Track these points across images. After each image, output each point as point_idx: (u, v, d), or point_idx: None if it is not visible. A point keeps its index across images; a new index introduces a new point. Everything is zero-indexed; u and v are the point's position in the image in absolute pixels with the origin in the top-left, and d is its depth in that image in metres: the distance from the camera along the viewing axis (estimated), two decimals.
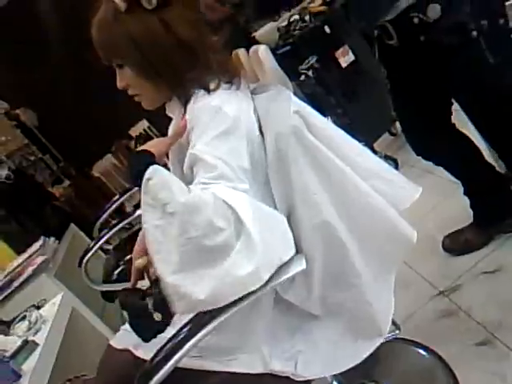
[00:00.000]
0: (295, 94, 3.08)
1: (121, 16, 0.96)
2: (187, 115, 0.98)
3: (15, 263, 2.11)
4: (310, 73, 2.56)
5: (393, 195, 1.00)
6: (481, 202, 1.76)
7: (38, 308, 1.52)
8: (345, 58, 2.55)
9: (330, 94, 2.62)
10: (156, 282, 1.36)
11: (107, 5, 0.97)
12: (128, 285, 1.41)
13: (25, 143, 4.38)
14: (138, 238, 1.41)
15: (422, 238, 2.02)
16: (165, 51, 0.95)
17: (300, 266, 0.89)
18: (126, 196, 3.17)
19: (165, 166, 0.95)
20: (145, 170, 0.83)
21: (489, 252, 1.78)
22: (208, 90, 0.98)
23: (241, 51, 3.31)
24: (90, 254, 2.35)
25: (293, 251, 0.83)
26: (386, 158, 2.71)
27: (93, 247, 2.38)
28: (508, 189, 1.61)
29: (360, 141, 2.81)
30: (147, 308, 1.42)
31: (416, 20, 1.20)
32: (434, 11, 1.17)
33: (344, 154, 0.98)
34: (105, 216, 3.11)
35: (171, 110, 1.07)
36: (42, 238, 2.35)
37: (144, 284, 1.42)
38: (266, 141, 0.97)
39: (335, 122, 2.66)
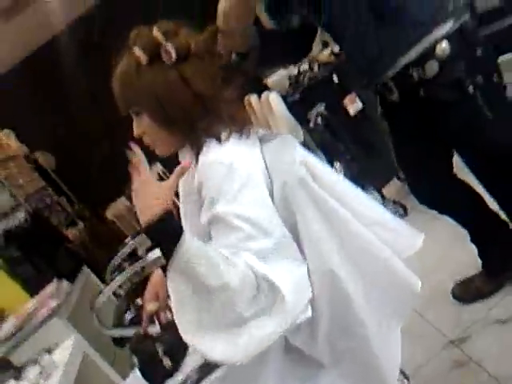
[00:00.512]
0: (305, 140, 3.15)
1: (142, 69, 1.02)
2: (198, 166, 1.03)
3: (28, 306, 2.14)
4: (318, 120, 2.63)
5: (396, 243, 1.03)
6: (488, 249, 1.76)
7: (50, 352, 1.53)
8: (353, 105, 2.63)
9: (339, 141, 2.69)
10: (166, 327, 1.38)
11: (129, 58, 1.04)
12: (139, 329, 1.44)
13: (42, 186, 4.49)
14: (149, 283, 1.44)
15: (433, 285, 2.03)
16: (181, 102, 1.01)
17: (306, 313, 0.92)
18: (137, 239, 3.23)
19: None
20: (171, 237, 0.85)
21: (499, 300, 1.77)
22: (219, 140, 1.03)
23: (253, 97, 3.42)
24: (101, 298, 2.38)
25: (310, 312, 0.90)
26: (395, 203, 2.73)
27: (105, 291, 2.42)
28: None
29: (368, 186, 2.84)
30: (157, 354, 1.44)
31: (415, 76, 1.26)
32: (432, 68, 1.23)
33: (348, 202, 1.01)
34: (117, 259, 3.17)
35: (183, 157, 1.12)
36: (56, 280, 2.38)
37: (155, 330, 1.45)
38: (273, 189, 1.01)
39: (344, 169, 2.71)
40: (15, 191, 3.62)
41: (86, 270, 3.07)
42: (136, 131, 1.08)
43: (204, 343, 0.86)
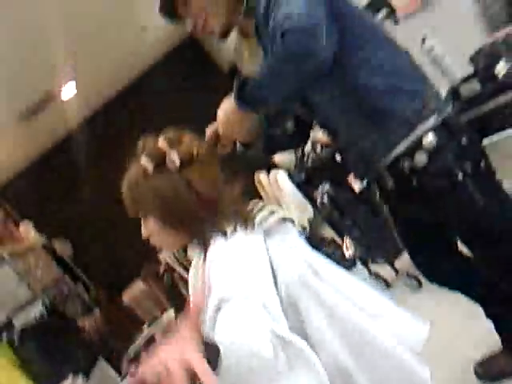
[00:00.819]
0: (314, 217, 3.17)
1: (149, 175, 1.09)
2: (206, 263, 1.07)
3: None
4: (325, 198, 2.69)
5: (402, 335, 1.03)
6: (503, 325, 1.72)
7: None
8: (357, 182, 2.69)
9: (347, 217, 2.72)
10: None
11: (137, 165, 1.11)
12: None
13: (59, 275, 4.54)
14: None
15: (454, 364, 1.96)
16: (186, 204, 1.07)
17: None
18: (154, 325, 3.20)
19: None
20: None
21: None
22: (225, 235, 1.07)
23: (262, 176, 3.53)
24: None
25: None
26: (408, 276, 2.70)
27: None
28: None
29: (380, 260, 2.82)
30: None
31: (406, 167, 1.31)
32: (421, 159, 1.28)
33: (351, 297, 1.03)
34: (134, 348, 3.14)
35: (192, 251, 1.16)
36: (71, 376, 2.36)
37: None
38: (277, 286, 1.03)
39: (354, 244, 2.71)
40: (33, 283, 3.67)
41: (101, 362, 3.04)
42: (144, 233, 1.14)
43: None
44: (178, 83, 5.43)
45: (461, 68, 1.90)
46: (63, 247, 5.19)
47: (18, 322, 3.12)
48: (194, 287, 1.13)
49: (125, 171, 1.15)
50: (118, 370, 2.99)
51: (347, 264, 3.47)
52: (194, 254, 1.14)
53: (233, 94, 1.22)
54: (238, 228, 1.09)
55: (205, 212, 1.08)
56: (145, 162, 1.09)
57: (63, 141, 5.64)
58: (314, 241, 3.84)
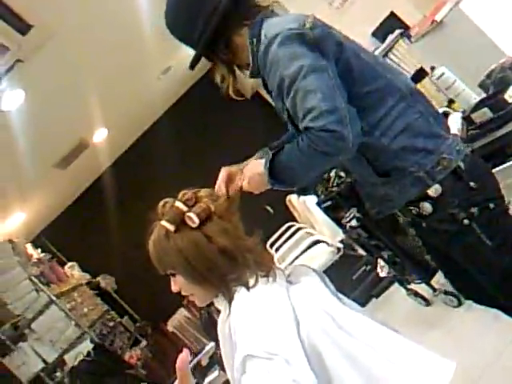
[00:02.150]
0: (343, 242, 3.14)
1: (171, 235, 1.16)
2: (231, 314, 1.12)
3: None
4: (353, 222, 2.71)
5: (426, 377, 1.04)
6: None
7: None
8: None
9: (378, 239, 2.73)
10: None
11: (159, 228, 1.18)
12: None
13: (105, 310, 4.71)
14: None
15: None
16: (208, 259, 1.13)
17: None
18: (202, 354, 3.24)
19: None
20: None
21: None
22: (248, 287, 1.13)
23: (293, 197, 3.56)
24: None
25: None
26: (447, 293, 2.67)
27: None
28: None
29: (416, 280, 2.78)
30: None
31: (414, 212, 1.32)
32: (426, 207, 1.29)
33: (372, 342, 1.06)
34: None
35: (219, 304, 1.22)
36: None
37: None
38: (300, 333, 1.07)
39: (389, 265, 2.68)
40: (79, 321, 3.83)
41: None
42: (174, 289, 1.20)
43: None
44: (202, 117, 5.63)
45: (473, 93, 1.90)
46: (107, 282, 5.38)
47: (70, 360, 3.25)
48: (222, 339, 1.18)
49: (149, 225, 1.23)
50: None
51: (384, 284, 3.45)
52: (220, 306, 1.19)
53: (262, 163, 1.28)
54: (260, 278, 1.14)
55: (227, 265, 1.13)
56: (166, 224, 1.16)
57: (97, 182, 5.90)
58: (349, 260, 3.82)
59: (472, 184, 1.27)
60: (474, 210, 1.26)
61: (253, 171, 1.30)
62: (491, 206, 1.29)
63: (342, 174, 2.76)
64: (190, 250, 1.14)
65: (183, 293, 1.21)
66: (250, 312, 1.07)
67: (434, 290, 2.74)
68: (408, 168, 1.27)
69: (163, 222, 1.18)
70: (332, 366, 1.03)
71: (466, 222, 1.27)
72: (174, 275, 1.19)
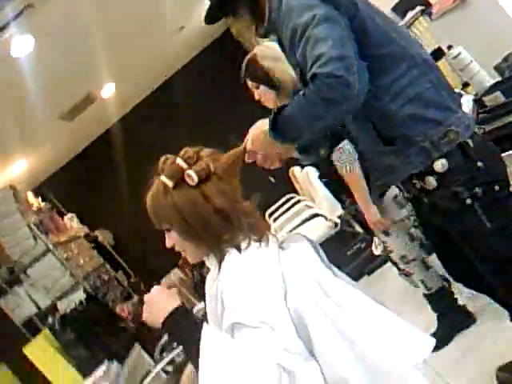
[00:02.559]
0: (341, 217, 3.15)
1: (169, 191, 1.17)
2: (220, 274, 1.14)
3: None
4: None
5: (406, 348, 1.06)
6: None
7: None
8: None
9: None
10: None
11: (158, 183, 1.19)
12: None
13: (100, 263, 4.78)
14: (183, 377, 1.52)
15: (477, 366, 1.96)
16: (204, 219, 1.14)
17: None
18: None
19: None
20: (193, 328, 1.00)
21: None
22: (239, 250, 1.14)
23: (296, 169, 3.55)
24: (149, 379, 2.48)
25: None
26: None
27: (152, 371, 2.51)
28: None
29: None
30: None
31: (418, 186, 1.31)
32: (431, 182, 1.28)
33: (358, 311, 1.07)
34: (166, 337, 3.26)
35: (210, 263, 1.23)
36: (106, 362, 2.51)
37: None
38: (288, 300, 1.09)
39: (383, 243, 2.68)
40: (75, 271, 3.90)
41: (137, 348, 3.19)
42: (167, 244, 1.22)
43: None
44: (213, 79, 5.56)
45: (488, 75, 1.86)
46: (105, 236, 5.44)
47: (62, 308, 3.33)
48: (209, 297, 1.20)
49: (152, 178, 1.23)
50: (153, 356, 3.13)
51: (377, 262, 3.48)
52: (211, 265, 1.21)
53: (268, 122, 1.25)
54: (253, 242, 1.15)
55: (221, 226, 1.14)
56: (165, 180, 1.17)
57: (103, 137, 5.88)
58: (345, 236, 3.84)
59: (479, 164, 1.26)
60: (479, 190, 1.25)
61: (257, 130, 1.28)
62: (496, 188, 1.27)
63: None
64: (187, 207, 1.15)
65: (176, 248, 1.23)
66: (239, 276, 1.08)
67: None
68: (414, 137, 1.25)
69: (162, 178, 1.18)
70: (315, 335, 1.04)
71: (468, 201, 1.26)
72: (168, 230, 1.20)
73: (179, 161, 1.18)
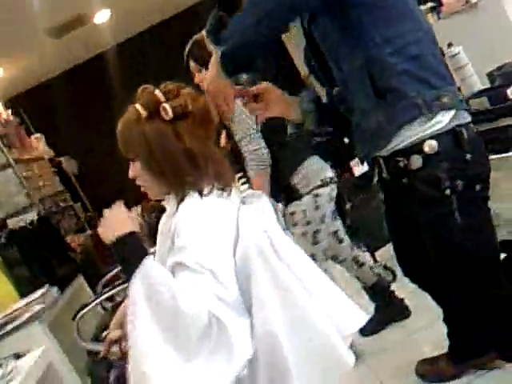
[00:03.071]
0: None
1: (141, 121, 1.14)
2: (177, 213, 1.13)
3: (14, 307, 2.24)
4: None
5: (338, 319, 1.09)
6: (457, 334, 1.78)
7: (18, 357, 1.61)
8: (358, 167, 2.71)
9: (339, 198, 2.76)
10: (125, 355, 1.46)
11: (132, 110, 1.16)
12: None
13: (59, 190, 4.67)
14: (118, 311, 1.53)
15: (405, 356, 2.05)
16: (171, 155, 1.13)
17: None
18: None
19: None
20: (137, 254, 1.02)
21: None
22: (201, 194, 1.13)
23: None
24: (85, 310, 2.47)
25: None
26: (386, 268, 2.76)
27: (90, 303, 2.50)
28: (487, 324, 1.60)
29: (362, 246, 2.86)
30: (108, 379, 1.51)
31: (401, 164, 1.31)
32: (415, 162, 1.27)
33: (300, 275, 1.09)
34: (112, 273, 3.26)
35: (167, 203, 1.22)
36: (46, 286, 2.48)
37: (115, 356, 1.52)
38: (237, 249, 1.10)
39: (343, 225, 2.74)
40: (32, 192, 3.80)
41: (80, 279, 3.18)
42: (130, 174, 1.20)
43: (150, 368, 0.95)
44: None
45: (479, 81, 1.88)
46: (69, 164, 5.32)
47: (11, 225, 3.25)
48: (161, 233, 1.20)
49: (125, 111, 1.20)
50: (94, 291, 3.12)
51: None
52: (168, 205, 1.20)
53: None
54: (215, 190, 1.14)
55: (187, 166, 1.13)
56: (139, 108, 1.14)
57: (89, 63, 5.66)
58: None
59: (468, 156, 1.26)
60: (460, 183, 1.26)
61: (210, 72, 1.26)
62: (477, 187, 1.29)
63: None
64: (156, 140, 1.13)
65: (137, 182, 1.21)
66: (194, 218, 1.09)
67: (376, 261, 2.83)
68: (407, 91, 1.25)
69: (137, 106, 1.16)
70: (255, 287, 1.06)
71: (447, 191, 1.27)
72: (133, 161, 1.19)
73: (157, 92, 1.16)
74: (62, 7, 3.91)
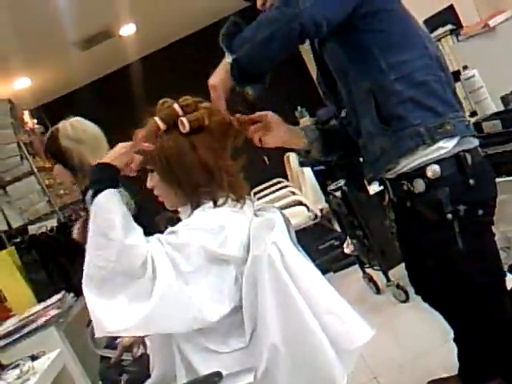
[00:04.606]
0: (322, 211, 3.19)
1: (160, 132, 1.20)
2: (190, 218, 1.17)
3: (32, 311, 2.30)
4: (337, 193, 2.74)
5: (344, 334, 1.11)
6: (467, 356, 1.77)
7: (34, 359, 1.66)
8: (372, 186, 2.72)
9: (354, 216, 2.77)
10: (137, 360, 1.50)
11: (152, 123, 1.21)
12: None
13: (79, 198, 4.75)
14: None
15: (415, 377, 2.03)
16: (187, 167, 1.17)
17: (248, 379, 1.03)
18: None
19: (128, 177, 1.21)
20: (105, 182, 1.10)
21: None
22: (215, 204, 1.17)
23: (292, 155, 3.57)
24: None
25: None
26: (398, 287, 2.76)
27: None
28: (491, 348, 1.60)
29: (375, 265, 2.86)
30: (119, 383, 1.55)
31: (405, 187, 1.32)
32: (419, 185, 1.28)
33: (307, 288, 1.11)
34: None
35: (184, 213, 1.26)
36: (63, 292, 2.54)
37: (126, 361, 1.56)
38: (248, 257, 1.13)
39: (354, 244, 2.75)
40: (53, 200, 3.89)
41: None
42: (148, 184, 1.25)
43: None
44: None
45: (493, 104, 1.89)
46: None
47: (32, 230, 3.34)
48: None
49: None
50: None
51: (345, 262, 3.54)
52: (184, 214, 1.24)
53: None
54: (229, 201, 1.18)
55: (202, 178, 1.18)
56: (158, 121, 1.19)
57: (113, 75, 5.82)
58: (322, 230, 3.89)
59: (471, 181, 1.27)
60: (462, 208, 1.26)
61: (215, 78, 1.26)
62: (479, 212, 1.29)
63: None
64: (173, 152, 1.18)
65: (156, 192, 1.26)
66: (199, 219, 1.14)
67: (388, 280, 2.82)
68: (411, 120, 1.27)
69: (156, 118, 1.21)
70: (262, 297, 1.09)
71: (449, 216, 1.27)
72: (151, 171, 1.24)
73: (176, 106, 1.21)
74: (89, 21, 4.05)
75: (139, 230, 1.08)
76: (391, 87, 1.27)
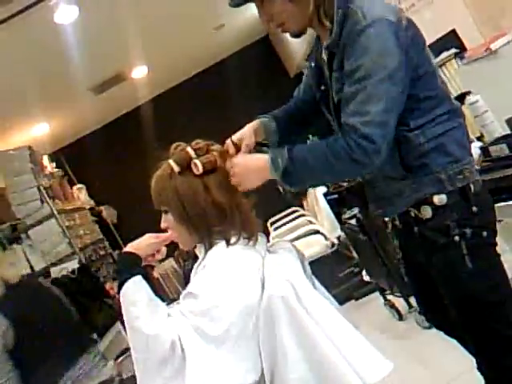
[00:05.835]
0: (339, 239, 3.20)
1: (174, 175, 1.24)
2: (204, 260, 1.20)
3: None
4: (353, 221, 2.75)
5: (362, 367, 1.11)
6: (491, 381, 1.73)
7: None
8: None
9: (372, 243, 2.77)
10: None
11: (166, 166, 1.26)
12: None
13: (99, 238, 4.85)
14: None
15: None
16: (200, 207, 1.21)
17: None
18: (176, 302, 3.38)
19: (150, 266, 1.24)
20: (127, 271, 1.14)
21: None
22: (228, 243, 1.20)
23: None
24: (122, 357, 2.54)
25: None
26: (420, 313, 2.71)
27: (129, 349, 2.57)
28: (504, 368, 1.54)
29: (396, 291, 2.80)
30: None
31: (412, 214, 1.35)
32: (426, 212, 1.33)
33: (324, 324, 1.12)
34: None
35: (199, 251, 1.29)
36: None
37: None
38: (262, 297, 1.15)
39: (371, 273, 2.71)
40: (73, 240, 3.97)
41: (118, 326, 3.26)
42: (163, 225, 1.29)
43: None
44: (244, 81, 5.64)
45: (499, 127, 1.91)
46: (109, 213, 5.53)
47: (54, 273, 3.41)
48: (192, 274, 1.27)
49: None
50: None
51: (366, 289, 3.51)
52: (200, 253, 1.27)
53: (268, 165, 1.26)
54: (242, 239, 1.21)
55: (215, 218, 1.21)
56: (172, 164, 1.23)
57: (127, 116, 6.00)
58: (341, 258, 3.87)
59: (474, 209, 1.32)
60: (468, 230, 1.31)
61: (243, 167, 1.27)
62: (484, 234, 1.33)
63: None
64: (187, 193, 1.22)
65: (170, 232, 1.29)
66: (217, 268, 1.16)
67: (410, 306, 2.79)
68: (433, 168, 1.31)
69: (170, 161, 1.25)
70: (280, 337, 1.10)
71: (456, 238, 1.31)
72: (166, 212, 1.27)
73: (189, 149, 1.26)
74: (103, 65, 4.21)
75: (161, 312, 1.11)
76: (414, 140, 1.31)
